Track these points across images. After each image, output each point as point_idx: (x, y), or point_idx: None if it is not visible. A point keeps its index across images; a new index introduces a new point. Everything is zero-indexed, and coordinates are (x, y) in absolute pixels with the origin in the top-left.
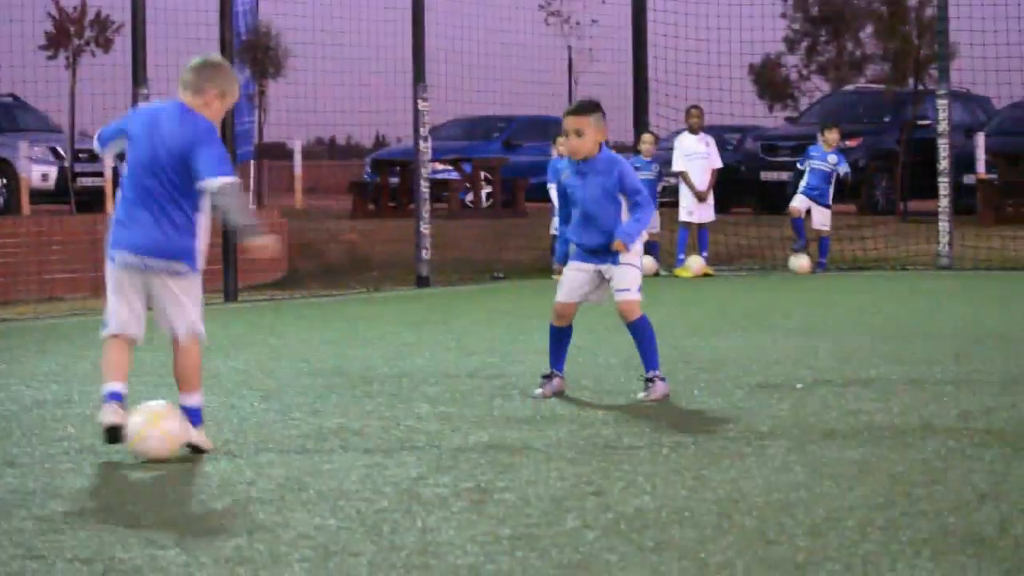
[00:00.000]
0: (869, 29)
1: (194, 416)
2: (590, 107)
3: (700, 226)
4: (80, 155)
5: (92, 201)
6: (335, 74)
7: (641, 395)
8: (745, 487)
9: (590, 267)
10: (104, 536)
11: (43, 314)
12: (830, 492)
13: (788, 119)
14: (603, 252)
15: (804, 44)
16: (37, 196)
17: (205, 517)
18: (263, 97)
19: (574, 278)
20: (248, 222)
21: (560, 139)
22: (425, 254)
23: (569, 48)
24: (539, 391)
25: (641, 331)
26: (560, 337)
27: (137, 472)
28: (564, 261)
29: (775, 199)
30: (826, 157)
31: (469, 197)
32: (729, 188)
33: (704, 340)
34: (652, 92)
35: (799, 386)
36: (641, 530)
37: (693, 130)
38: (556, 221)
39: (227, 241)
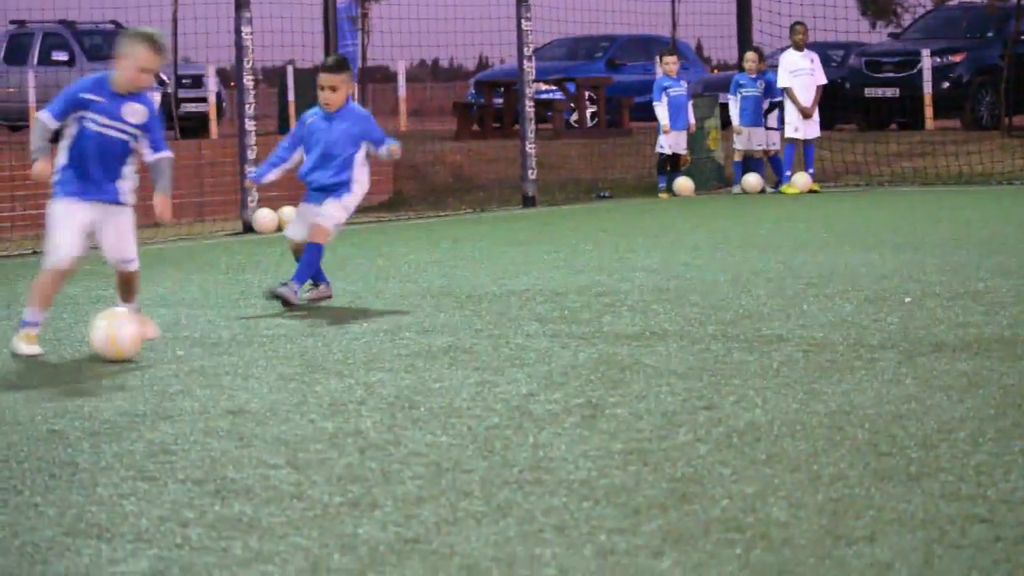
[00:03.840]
0: None
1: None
2: (344, 66)
3: (806, 142)
4: (183, 81)
5: (196, 126)
6: None
7: (281, 288)
8: (856, 399)
9: (318, 208)
10: (215, 456)
11: (149, 240)
12: (941, 404)
13: (891, 35)
14: (327, 188)
15: None
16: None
17: (316, 436)
18: (366, 20)
19: (302, 220)
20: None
21: (668, 58)
22: (531, 174)
23: None
24: (305, 294)
25: (316, 254)
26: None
27: (246, 393)
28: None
29: (880, 115)
30: (755, 83)
31: (574, 117)
32: (834, 105)
33: (811, 255)
34: (755, 9)
35: (907, 299)
36: (753, 443)
37: (798, 47)
38: (661, 139)
39: None
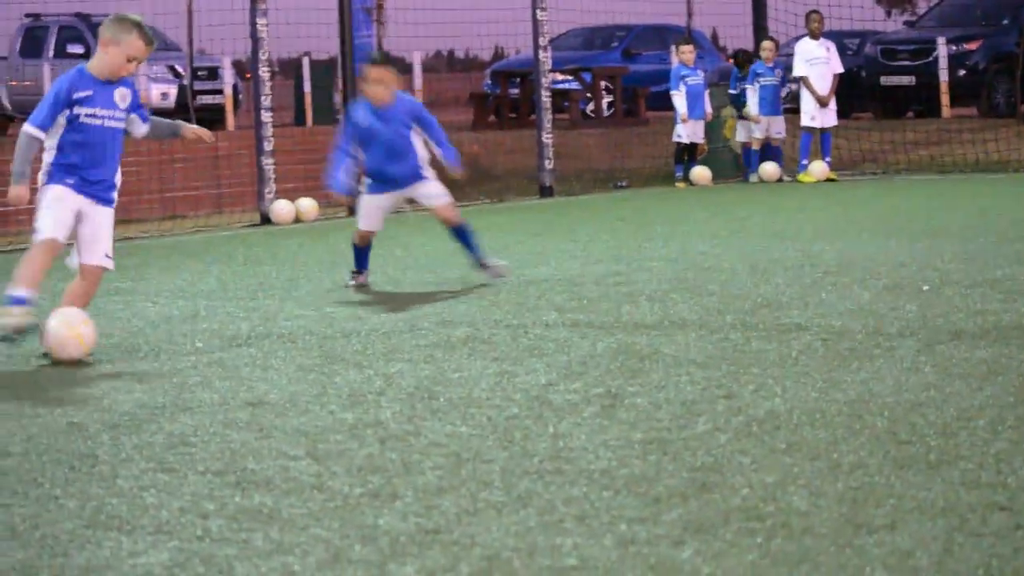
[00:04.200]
0: None
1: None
2: (390, 59)
3: (823, 131)
4: (199, 73)
5: (212, 119)
6: None
7: (489, 275)
8: (875, 388)
9: (390, 195)
10: (235, 448)
11: (166, 232)
12: (960, 392)
13: (907, 23)
14: (403, 179)
15: None
16: (157, 115)
17: (336, 427)
18: (381, 11)
19: (378, 208)
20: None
21: (684, 47)
22: (548, 164)
23: None
24: (351, 282)
25: (467, 232)
26: (365, 252)
27: (265, 385)
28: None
29: (896, 103)
30: (773, 72)
31: (590, 107)
32: (850, 93)
33: (829, 244)
34: None
35: (926, 287)
36: (773, 432)
37: (814, 35)
38: (678, 128)
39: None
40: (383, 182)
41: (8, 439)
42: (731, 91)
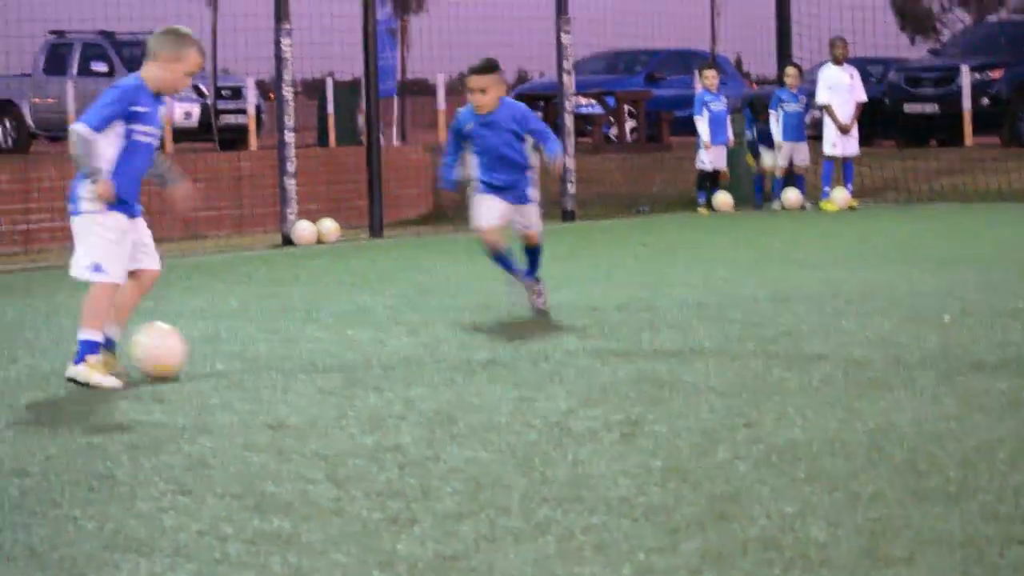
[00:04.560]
0: None
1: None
2: (493, 67)
3: (845, 159)
4: (223, 92)
5: (235, 138)
6: (477, 8)
7: (539, 301)
8: (895, 418)
9: (503, 201)
10: (254, 471)
11: (188, 252)
12: (980, 423)
13: (931, 51)
14: (511, 192)
15: None
16: (180, 134)
17: (355, 451)
18: (405, 33)
19: (494, 206)
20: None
21: (708, 72)
22: (570, 188)
23: None
24: (536, 299)
25: (539, 252)
26: (504, 258)
27: (285, 408)
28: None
29: (918, 131)
30: (797, 98)
31: (613, 131)
32: (872, 120)
33: (851, 272)
34: (795, 24)
35: (947, 318)
36: (792, 462)
37: (837, 61)
38: (701, 154)
39: (371, 177)
40: (493, 188)
41: (27, 459)
42: (747, 132)
